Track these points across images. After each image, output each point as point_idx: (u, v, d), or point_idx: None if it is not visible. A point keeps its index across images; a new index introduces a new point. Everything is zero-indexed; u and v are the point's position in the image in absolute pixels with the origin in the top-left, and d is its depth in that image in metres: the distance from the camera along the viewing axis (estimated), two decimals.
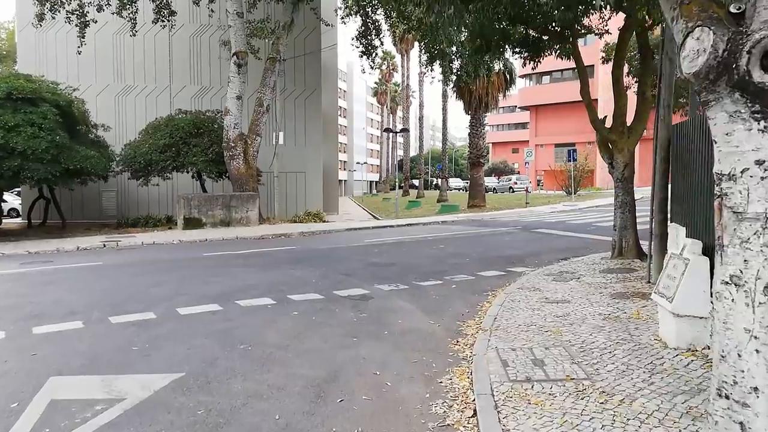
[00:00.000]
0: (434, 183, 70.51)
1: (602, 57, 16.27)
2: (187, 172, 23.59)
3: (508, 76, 30.12)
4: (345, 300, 8.16)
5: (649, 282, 8.52)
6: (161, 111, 26.07)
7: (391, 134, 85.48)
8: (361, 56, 27.31)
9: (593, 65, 59.46)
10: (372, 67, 29.25)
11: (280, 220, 22.61)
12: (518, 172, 68.87)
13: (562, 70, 62.26)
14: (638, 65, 12.77)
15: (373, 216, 31.50)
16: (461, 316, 7.29)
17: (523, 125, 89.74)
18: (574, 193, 32.22)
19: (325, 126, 33.61)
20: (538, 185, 54.02)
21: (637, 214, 11.08)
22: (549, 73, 62.84)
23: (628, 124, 10.89)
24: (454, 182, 65.70)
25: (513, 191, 44.13)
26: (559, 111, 62.25)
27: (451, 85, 30.68)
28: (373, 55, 27.62)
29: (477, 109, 29.49)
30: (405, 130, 31.04)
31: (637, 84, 10.90)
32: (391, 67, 78.09)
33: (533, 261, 11.82)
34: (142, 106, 28.35)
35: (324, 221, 24.61)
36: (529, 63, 12.45)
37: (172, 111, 25.13)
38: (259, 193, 22.53)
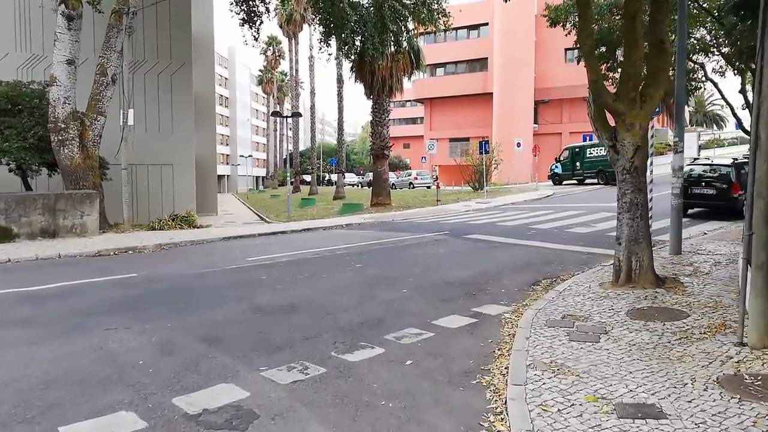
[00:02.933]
0: (326, 178, 66.12)
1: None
2: (6, 165, 17.35)
3: (414, 58, 26.53)
4: None
5: (742, 344, 4.94)
6: None
7: (279, 126, 79.82)
8: (242, 25, 22.30)
9: (487, 58, 58.51)
10: (256, 39, 24.19)
11: (131, 227, 17.17)
12: (409, 167, 66.46)
13: (456, 63, 60.78)
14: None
15: (261, 217, 26.62)
16: None
17: (413, 120, 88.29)
18: (483, 189, 29.50)
19: (199, 111, 28.05)
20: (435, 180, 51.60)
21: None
22: (443, 65, 61.08)
23: (640, 89, 7.39)
24: (349, 177, 61.80)
25: (413, 187, 41.06)
26: (453, 104, 60.64)
27: (350, 65, 26.54)
28: (258, 23, 22.69)
29: (380, 93, 25.58)
30: (297, 114, 26.51)
31: (648, 30, 7.45)
32: (277, 53, 72.50)
33: (498, 290, 8.02)
34: None
35: (196, 226, 19.46)
36: None
37: None
38: (103, 192, 16.93)
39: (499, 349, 5.38)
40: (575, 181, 32.52)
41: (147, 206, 22.39)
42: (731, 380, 4.22)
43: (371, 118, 26.19)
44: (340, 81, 35.55)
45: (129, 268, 10.38)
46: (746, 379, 4.22)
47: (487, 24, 57.86)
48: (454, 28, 59.58)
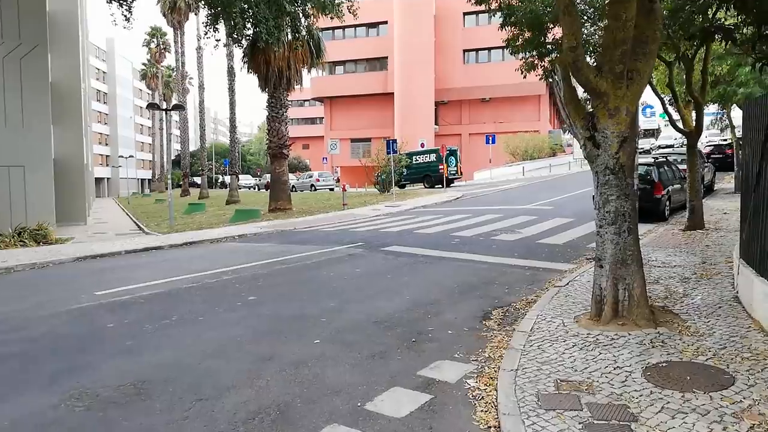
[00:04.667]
0: (220, 181, 61.64)
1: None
2: None
3: (314, 48, 24.08)
4: None
5: None
6: None
7: (166, 125, 73.69)
8: (110, 1, 18.79)
9: (386, 57, 57.16)
10: (127, 19, 20.61)
11: None
12: (310, 169, 63.74)
13: (355, 61, 59.02)
14: None
15: (139, 227, 22.96)
16: None
17: (312, 120, 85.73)
18: (391, 191, 27.69)
19: (61, 103, 23.83)
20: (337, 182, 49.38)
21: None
22: (343, 63, 59.08)
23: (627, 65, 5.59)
24: (245, 180, 57.90)
25: (315, 189, 38.47)
26: (354, 104, 58.87)
27: (242, 54, 23.58)
28: (130, 0, 19.20)
29: (277, 86, 22.85)
30: (179, 107, 23.19)
31: None
32: (162, 46, 66.72)
33: (443, 331, 5.97)
34: None
35: (50, 241, 15.85)
36: None
37: None
38: None
39: None
40: (398, 188, 34.78)
41: None
42: None
43: (267, 114, 23.39)
44: (231, 73, 32.24)
45: None
46: None
47: (386, 22, 56.53)
48: (353, 26, 58.11)
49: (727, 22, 9.57)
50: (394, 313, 6.75)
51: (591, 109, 5.70)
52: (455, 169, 32.52)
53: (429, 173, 32.69)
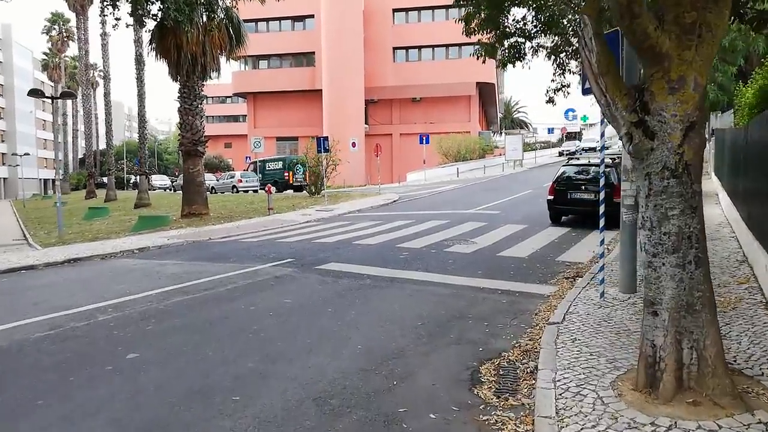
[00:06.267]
0: (132, 182, 56.70)
1: None
2: None
3: (233, 33, 21.39)
4: None
5: None
6: None
7: (74, 120, 67.23)
8: None
9: (314, 52, 54.55)
10: None
11: None
12: (232, 169, 59.99)
13: (281, 56, 56.08)
14: None
15: (25, 236, 19.47)
16: None
17: (235, 118, 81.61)
18: (322, 194, 25.41)
19: None
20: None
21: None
22: (267, 57, 55.95)
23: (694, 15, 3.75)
24: (159, 180, 53.36)
25: (237, 191, 35.39)
26: (280, 100, 55.85)
27: (149, 37, 20.53)
28: None
29: (190, 74, 19.97)
30: (69, 95, 19.84)
31: None
32: (64, 34, 60.71)
33: (425, 418, 3.97)
34: None
35: None
36: None
37: None
38: None
39: None
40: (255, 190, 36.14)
41: None
42: None
43: (179, 106, 20.43)
44: (139, 62, 28.73)
45: None
46: None
47: (313, 16, 53.86)
48: (278, 18, 55.02)
49: None
50: (344, 378, 4.61)
51: (648, 77, 3.82)
52: (302, 177, 33.91)
53: (276, 179, 35.08)
